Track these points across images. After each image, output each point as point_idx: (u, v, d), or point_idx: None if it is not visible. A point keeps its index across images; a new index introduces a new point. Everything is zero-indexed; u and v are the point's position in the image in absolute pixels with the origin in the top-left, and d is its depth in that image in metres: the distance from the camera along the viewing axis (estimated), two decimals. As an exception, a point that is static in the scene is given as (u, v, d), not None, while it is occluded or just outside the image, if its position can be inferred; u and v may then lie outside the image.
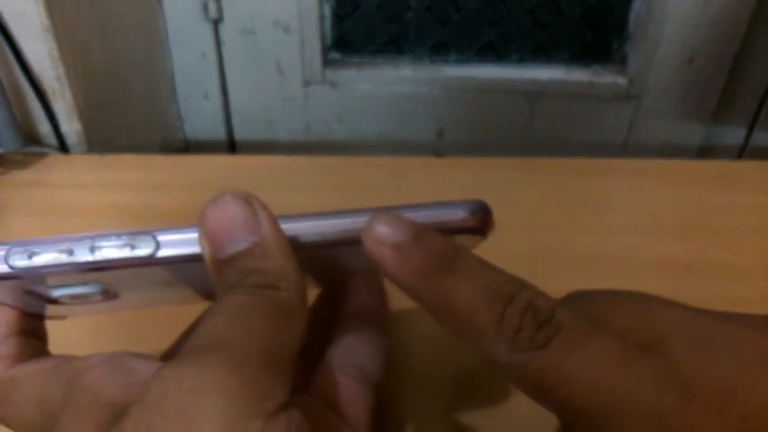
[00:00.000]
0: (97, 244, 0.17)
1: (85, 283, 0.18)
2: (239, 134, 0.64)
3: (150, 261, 0.17)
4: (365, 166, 0.45)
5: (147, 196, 0.42)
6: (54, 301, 0.19)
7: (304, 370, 0.21)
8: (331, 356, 0.21)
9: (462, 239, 0.19)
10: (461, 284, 0.17)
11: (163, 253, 0.17)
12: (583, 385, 0.15)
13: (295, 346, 0.17)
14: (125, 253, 0.17)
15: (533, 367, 0.16)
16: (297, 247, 0.18)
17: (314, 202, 0.40)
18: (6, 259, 0.17)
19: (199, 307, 0.20)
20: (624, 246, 0.37)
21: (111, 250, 0.17)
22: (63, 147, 0.47)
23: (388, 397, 0.26)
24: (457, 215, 0.19)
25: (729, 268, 0.36)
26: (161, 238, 0.17)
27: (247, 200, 0.17)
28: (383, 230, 0.17)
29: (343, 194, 0.41)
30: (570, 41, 0.58)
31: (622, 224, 0.39)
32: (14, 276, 0.17)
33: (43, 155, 0.46)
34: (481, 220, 0.19)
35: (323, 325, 0.23)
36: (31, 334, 0.21)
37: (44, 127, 0.46)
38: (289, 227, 0.18)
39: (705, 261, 0.36)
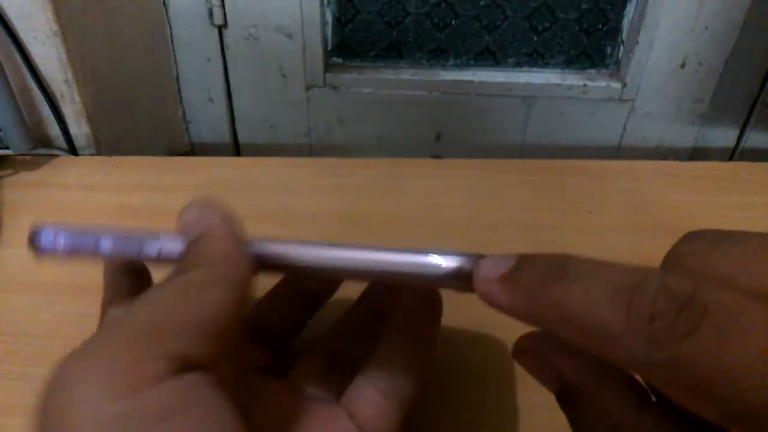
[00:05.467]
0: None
1: None
2: (243, 137, 0.64)
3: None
4: (365, 167, 0.44)
5: (153, 197, 0.41)
6: None
7: (335, 378, 0.23)
8: (367, 367, 0.22)
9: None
10: (573, 287, 0.15)
11: (165, 253, 0.20)
12: (758, 380, 0.11)
13: (202, 318, 0.17)
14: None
15: (684, 360, 0.12)
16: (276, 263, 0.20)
17: (315, 203, 0.41)
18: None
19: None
20: (617, 246, 0.37)
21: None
22: (72, 149, 0.47)
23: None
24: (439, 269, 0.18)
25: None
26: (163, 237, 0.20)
27: (205, 204, 0.20)
28: (487, 270, 0.17)
29: (343, 195, 0.41)
30: (565, 46, 0.59)
31: (616, 224, 0.39)
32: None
33: (52, 157, 0.46)
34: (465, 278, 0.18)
35: (364, 336, 0.24)
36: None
37: (53, 130, 0.46)
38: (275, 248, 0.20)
39: (697, 260, 0.37)
